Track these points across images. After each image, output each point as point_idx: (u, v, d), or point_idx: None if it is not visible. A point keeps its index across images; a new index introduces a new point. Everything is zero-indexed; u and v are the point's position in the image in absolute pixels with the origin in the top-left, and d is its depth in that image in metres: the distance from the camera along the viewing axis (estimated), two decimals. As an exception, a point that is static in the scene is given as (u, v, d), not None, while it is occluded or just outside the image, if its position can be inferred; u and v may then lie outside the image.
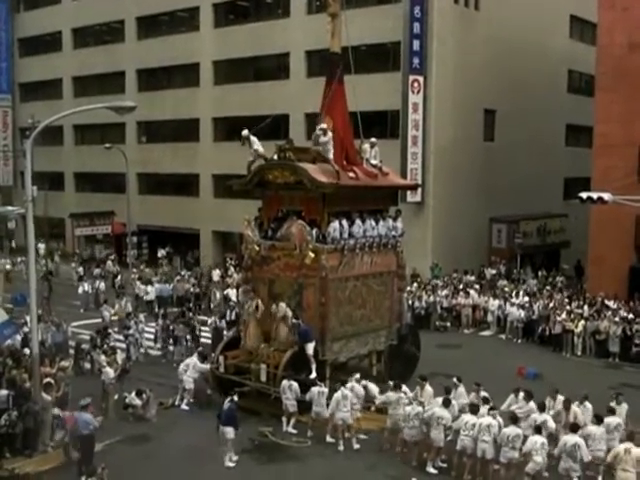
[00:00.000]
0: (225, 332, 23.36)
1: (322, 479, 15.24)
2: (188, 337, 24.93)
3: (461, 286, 30.64)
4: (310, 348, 18.58)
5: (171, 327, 24.64)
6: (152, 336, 25.20)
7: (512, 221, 36.50)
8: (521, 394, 16.34)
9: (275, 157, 19.96)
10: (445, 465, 15.56)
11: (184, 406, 19.26)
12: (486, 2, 35.67)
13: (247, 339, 19.78)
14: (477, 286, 30.85)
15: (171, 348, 24.24)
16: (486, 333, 28.85)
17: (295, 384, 17.46)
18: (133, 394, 18.37)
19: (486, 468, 14.73)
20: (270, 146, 20.32)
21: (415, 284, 30.45)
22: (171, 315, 26.76)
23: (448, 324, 29.43)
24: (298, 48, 37.28)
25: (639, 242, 29.90)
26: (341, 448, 16.50)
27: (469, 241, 34.51)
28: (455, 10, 34.37)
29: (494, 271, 33.98)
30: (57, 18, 49.21)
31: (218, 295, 31.43)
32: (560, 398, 16.11)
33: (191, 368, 19.33)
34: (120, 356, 20.91)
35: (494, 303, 28.83)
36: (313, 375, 18.39)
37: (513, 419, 14.73)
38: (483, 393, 16.47)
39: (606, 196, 19.24)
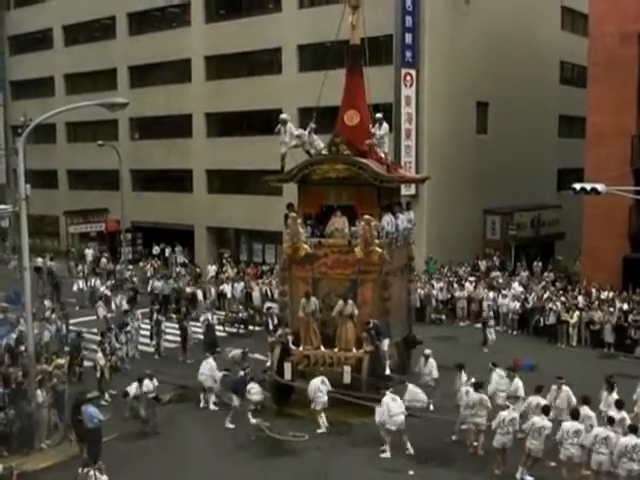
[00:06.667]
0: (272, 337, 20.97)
1: (319, 473, 15.20)
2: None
3: (456, 278, 30.68)
4: (386, 345, 18.29)
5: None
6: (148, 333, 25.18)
7: (506, 213, 36.55)
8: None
9: (324, 152, 19.43)
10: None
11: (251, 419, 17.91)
12: (478, -6, 35.65)
13: (306, 342, 18.76)
14: (472, 278, 30.89)
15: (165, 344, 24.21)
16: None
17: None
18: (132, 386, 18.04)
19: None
20: (265, 141, 20.12)
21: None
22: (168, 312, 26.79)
23: (443, 317, 29.49)
24: (290, 43, 37.16)
25: (632, 232, 29.98)
26: (498, 472, 14.91)
27: (463, 233, 34.53)
28: (447, 3, 34.28)
29: (489, 263, 34.01)
30: (48, 15, 48.94)
31: (213, 291, 31.39)
32: None
33: None
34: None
35: (489, 295, 28.88)
36: (387, 372, 18.10)
37: (632, 428, 13.51)
38: (565, 388, 15.92)
39: (599, 187, 19.24)
